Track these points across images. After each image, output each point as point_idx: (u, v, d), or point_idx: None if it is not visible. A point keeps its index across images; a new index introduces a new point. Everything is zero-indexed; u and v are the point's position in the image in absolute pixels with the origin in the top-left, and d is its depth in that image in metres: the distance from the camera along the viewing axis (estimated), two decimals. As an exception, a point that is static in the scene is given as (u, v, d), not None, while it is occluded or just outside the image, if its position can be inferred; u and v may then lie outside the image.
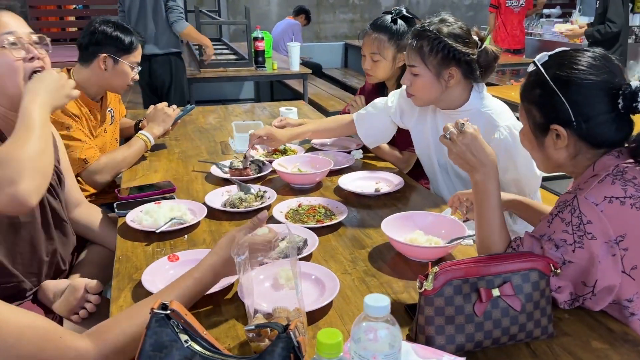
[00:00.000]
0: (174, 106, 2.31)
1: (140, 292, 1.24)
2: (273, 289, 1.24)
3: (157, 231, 1.51)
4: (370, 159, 2.22)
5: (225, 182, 1.93)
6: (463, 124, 1.22)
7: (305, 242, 1.41)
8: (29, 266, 1.41)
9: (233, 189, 1.82)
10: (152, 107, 2.31)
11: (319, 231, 1.52)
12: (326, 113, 4.48)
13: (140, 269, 1.33)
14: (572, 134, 1.14)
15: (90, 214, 1.76)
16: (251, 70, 4.62)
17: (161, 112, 2.25)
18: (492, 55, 1.72)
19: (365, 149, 2.26)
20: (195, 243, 1.50)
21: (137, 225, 1.55)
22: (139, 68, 2.16)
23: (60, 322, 1.38)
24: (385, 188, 1.85)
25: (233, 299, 1.22)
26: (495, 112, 1.72)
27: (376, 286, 1.28)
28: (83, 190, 2.19)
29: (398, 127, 2.07)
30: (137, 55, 2.11)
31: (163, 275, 1.29)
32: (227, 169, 2.00)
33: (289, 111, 2.52)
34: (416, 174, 2.15)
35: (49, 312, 1.41)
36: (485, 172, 1.21)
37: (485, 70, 1.73)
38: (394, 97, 2.03)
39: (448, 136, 1.24)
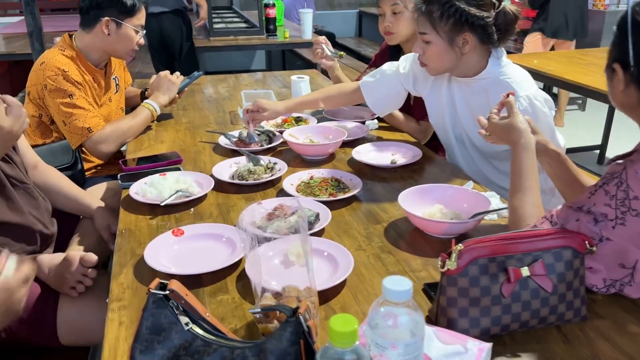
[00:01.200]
0: (177, 73, 2.23)
1: (142, 269, 1.18)
2: (283, 267, 1.16)
3: (162, 204, 1.44)
4: (385, 129, 2.12)
5: (234, 153, 1.85)
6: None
7: (317, 216, 1.34)
8: (6, 233, 1.35)
9: (242, 160, 1.74)
10: (154, 76, 2.23)
11: (331, 205, 1.43)
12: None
13: (143, 244, 1.26)
14: (631, 81, 1.01)
15: (46, 174, 1.65)
16: (262, 39, 4.48)
17: (165, 80, 2.17)
18: (511, 16, 1.58)
19: (380, 119, 2.15)
20: (202, 217, 1.43)
21: (141, 198, 1.48)
22: (144, 31, 2.06)
23: (57, 297, 1.33)
24: (401, 160, 1.76)
25: (240, 277, 1.15)
26: (515, 81, 1.60)
27: (392, 263, 1.20)
28: (88, 161, 2.13)
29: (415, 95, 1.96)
30: (140, 18, 2.01)
31: (166, 250, 1.23)
32: (235, 140, 1.91)
33: (301, 79, 2.41)
34: (435, 145, 2.05)
35: (45, 286, 1.35)
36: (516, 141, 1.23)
37: (504, 34, 1.61)
38: (406, 62, 1.91)
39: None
